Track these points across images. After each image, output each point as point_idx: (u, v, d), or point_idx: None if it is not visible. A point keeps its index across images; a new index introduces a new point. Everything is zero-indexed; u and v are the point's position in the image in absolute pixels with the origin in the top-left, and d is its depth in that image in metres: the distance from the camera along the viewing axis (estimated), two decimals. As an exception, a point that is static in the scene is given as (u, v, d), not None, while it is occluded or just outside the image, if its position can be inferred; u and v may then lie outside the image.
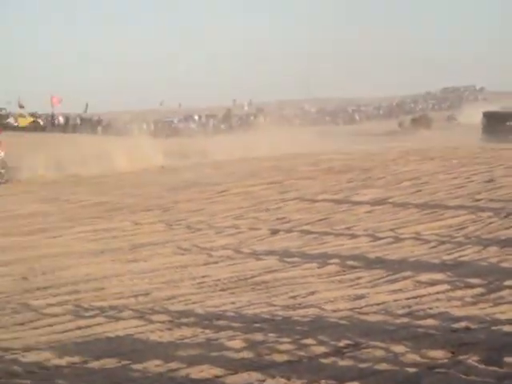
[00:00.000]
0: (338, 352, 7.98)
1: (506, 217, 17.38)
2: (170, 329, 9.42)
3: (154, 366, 7.69)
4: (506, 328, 8.78)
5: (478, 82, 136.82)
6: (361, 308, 10.32)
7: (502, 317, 9.44)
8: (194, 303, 10.74)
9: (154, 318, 9.96)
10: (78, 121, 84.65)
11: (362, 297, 10.95)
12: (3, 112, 77.94)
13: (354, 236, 15.77)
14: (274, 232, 16.40)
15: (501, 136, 54.28)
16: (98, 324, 9.73)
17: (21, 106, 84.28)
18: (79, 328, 9.59)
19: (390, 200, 20.20)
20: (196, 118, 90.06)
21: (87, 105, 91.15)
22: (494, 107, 69.38)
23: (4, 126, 70.49)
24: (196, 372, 7.41)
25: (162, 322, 9.75)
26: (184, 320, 9.83)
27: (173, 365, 7.67)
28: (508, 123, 59.49)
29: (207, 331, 9.25)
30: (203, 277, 12.42)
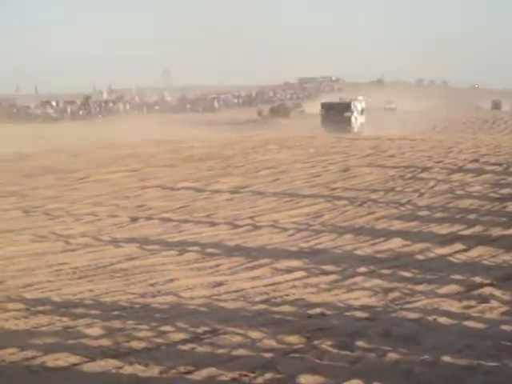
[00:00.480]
0: (196, 338, 8.04)
1: (360, 205, 17.90)
2: (25, 317, 9.23)
3: (8, 354, 7.53)
4: (359, 313, 9.06)
5: (334, 73, 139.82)
6: (219, 295, 10.41)
7: (355, 303, 9.74)
8: (50, 291, 10.57)
9: (9, 306, 9.74)
10: None
11: (220, 284, 11.05)
12: None
13: (213, 224, 15.89)
14: (134, 219, 16.33)
15: (338, 126, 55.90)
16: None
17: None
18: None
19: (249, 188, 20.46)
20: (54, 104, 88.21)
21: None
22: (338, 97, 71.18)
23: None
24: (52, 360, 7.31)
25: (18, 310, 9.55)
26: (40, 308, 9.65)
27: (28, 353, 7.53)
28: (345, 114, 60.07)
29: (64, 319, 9.12)
30: (61, 264, 12.25)
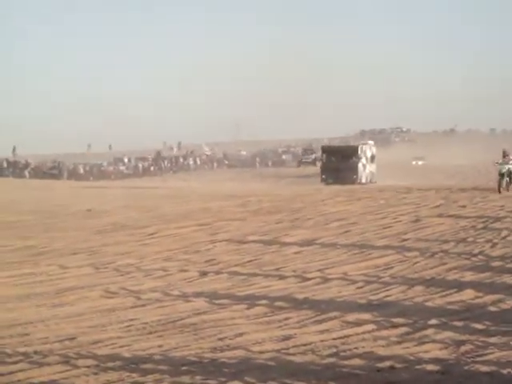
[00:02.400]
0: (265, 393, 7.99)
1: (431, 256, 17.68)
2: (95, 373, 9.31)
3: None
4: (430, 367, 8.91)
5: (404, 124, 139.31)
6: (288, 349, 10.35)
7: (426, 356, 9.58)
8: (120, 347, 10.63)
9: (80, 362, 9.83)
10: (5, 164, 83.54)
11: (289, 337, 10.99)
12: None
13: (282, 277, 15.86)
14: (203, 274, 16.38)
15: (342, 175, 48.36)
16: (21, 370, 9.55)
17: None
18: (1, 375, 9.41)
19: (319, 241, 20.38)
20: (126, 160, 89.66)
21: (15, 147, 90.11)
22: (413, 147, 66.39)
23: None
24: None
25: (88, 367, 9.64)
26: (110, 364, 9.73)
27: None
28: (351, 160, 51.81)
29: (134, 375, 9.17)
30: (131, 320, 12.32)
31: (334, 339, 10.84)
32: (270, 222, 23.98)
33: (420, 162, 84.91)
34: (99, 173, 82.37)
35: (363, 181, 51.15)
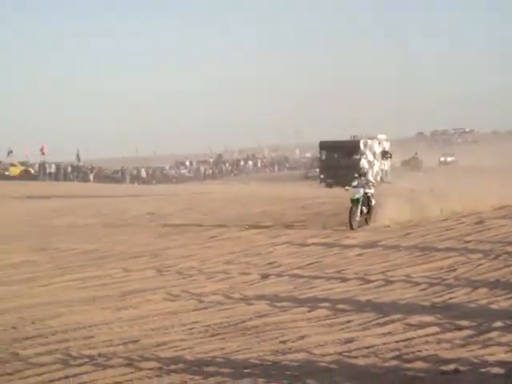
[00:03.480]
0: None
1: (495, 258, 17.43)
2: (158, 376, 9.39)
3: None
4: (495, 370, 8.78)
5: (467, 125, 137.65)
6: (350, 351, 10.31)
7: (491, 358, 9.45)
8: (183, 349, 10.70)
9: (143, 365, 9.92)
10: (69, 169, 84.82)
11: (351, 340, 10.93)
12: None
13: (344, 279, 15.78)
14: (265, 276, 16.39)
15: (344, 174, 39.44)
16: (86, 372, 9.69)
17: (9, 153, 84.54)
18: (67, 377, 9.55)
19: (381, 243, 20.25)
20: (187, 163, 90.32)
21: (78, 152, 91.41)
22: (481, 148, 60.26)
23: None
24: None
25: (151, 369, 9.73)
26: (173, 367, 9.80)
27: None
28: (353, 157, 45.08)
29: (196, 377, 9.22)
30: (193, 323, 12.39)
31: (396, 342, 10.76)
32: (330, 224, 23.89)
33: (449, 159, 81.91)
34: (162, 176, 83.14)
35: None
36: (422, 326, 11.61)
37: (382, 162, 48.26)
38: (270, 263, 18.05)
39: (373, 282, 15.42)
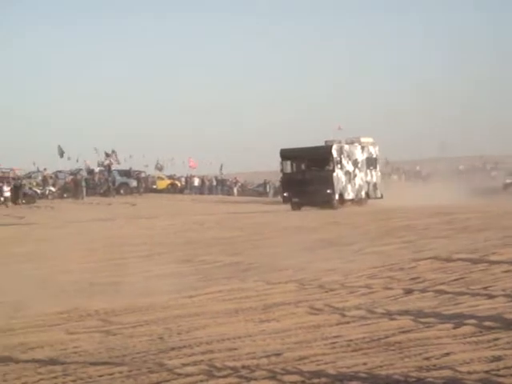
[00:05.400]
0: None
1: None
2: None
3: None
4: None
5: None
6: (498, 370, 10.03)
7: None
8: (325, 364, 10.68)
9: (286, 378, 9.97)
10: (214, 182, 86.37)
11: (499, 359, 10.64)
12: (143, 175, 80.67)
13: (491, 296, 15.38)
14: (408, 292, 16.17)
15: (312, 191, 34.27)
16: (230, 384, 9.81)
17: (159, 169, 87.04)
18: (212, 388, 9.69)
19: (530, 259, 19.63)
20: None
21: (222, 166, 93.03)
22: None
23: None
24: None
25: (294, 383, 9.76)
26: (315, 380, 9.80)
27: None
28: (326, 167, 35.44)
29: (339, 392, 9.18)
30: (335, 337, 12.35)
31: (547, 362, 10.39)
32: (477, 240, 23.37)
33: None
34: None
35: (349, 197, 38.06)
36: None
37: (368, 172, 39.99)
38: (413, 278, 17.80)
39: (521, 299, 14.96)
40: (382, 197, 40.32)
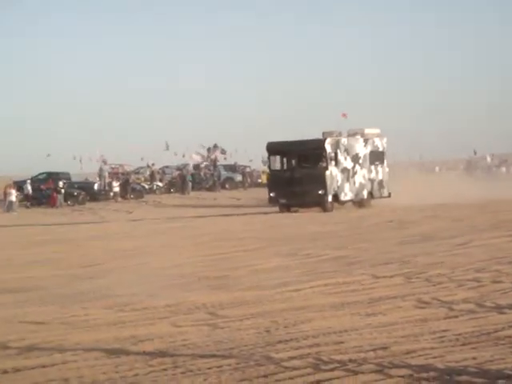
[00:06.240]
0: None
1: None
2: (409, 383, 9.35)
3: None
4: None
5: None
6: None
7: None
8: (433, 358, 10.58)
9: (393, 372, 9.92)
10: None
11: None
12: (248, 169, 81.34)
13: None
14: (518, 285, 15.86)
15: (303, 192, 30.62)
16: (337, 378, 9.81)
17: (264, 164, 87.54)
18: (318, 381, 9.72)
19: None
20: (437, 169, 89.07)
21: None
22: None
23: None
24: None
25: (402, 377, 9.70)
26: (424, 374, 9.72)
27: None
28: (318, 163, 31.59)
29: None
30: (443, 331, 12.21)
31: None
32: None
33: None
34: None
35: (346, 197, 34.05)
36: None
37: (372, 168, 35.54)
38: (521, 272, 17.45)
39: None
40: (389, 196, 36.17)
